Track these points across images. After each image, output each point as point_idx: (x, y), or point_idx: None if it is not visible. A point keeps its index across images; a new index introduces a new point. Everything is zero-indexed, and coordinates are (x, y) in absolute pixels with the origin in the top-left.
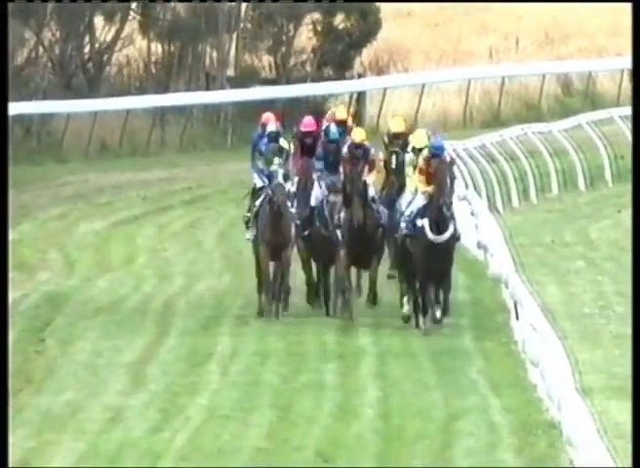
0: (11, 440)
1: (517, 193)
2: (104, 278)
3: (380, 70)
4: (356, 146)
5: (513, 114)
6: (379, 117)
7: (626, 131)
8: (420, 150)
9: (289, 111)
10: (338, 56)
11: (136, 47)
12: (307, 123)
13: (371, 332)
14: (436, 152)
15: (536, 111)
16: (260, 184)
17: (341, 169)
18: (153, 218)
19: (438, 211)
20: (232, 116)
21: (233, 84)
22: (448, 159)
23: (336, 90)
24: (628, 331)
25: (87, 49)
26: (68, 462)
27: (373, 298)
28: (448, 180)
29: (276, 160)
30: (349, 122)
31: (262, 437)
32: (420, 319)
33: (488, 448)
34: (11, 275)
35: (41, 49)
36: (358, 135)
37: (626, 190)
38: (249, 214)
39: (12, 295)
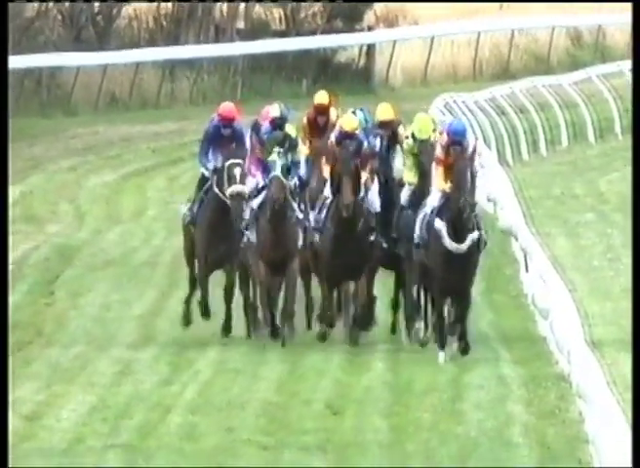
0: (20, 392)
1: (527, 146)
2: (115, 230)
3: (389, 23)
4: (346, 136)
5: (523, 67)
6: (388, 70)
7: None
8: (423, 141)
9: (299, 64)
10: (348, 8)
11: None
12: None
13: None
14: (457, 138)
15: (545, 64)
16: (207, 172)
17: (324, 159)
18: (163, 171)
19: (458, 212)
20: (242, 69)
21: (243, 36)
22: (470, 146)
23: (345, 42)
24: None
25: (96, 2)
26: (78, 415)
27: (365, 321)
28: (469, 174)
29: (276, 149)
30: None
31: (272, 390)
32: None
33: (498, 400)
34: (21, 227)
35: (51, 2)
36: (349, 122)
37: None
38: (190, 211)
39: (22, 248)
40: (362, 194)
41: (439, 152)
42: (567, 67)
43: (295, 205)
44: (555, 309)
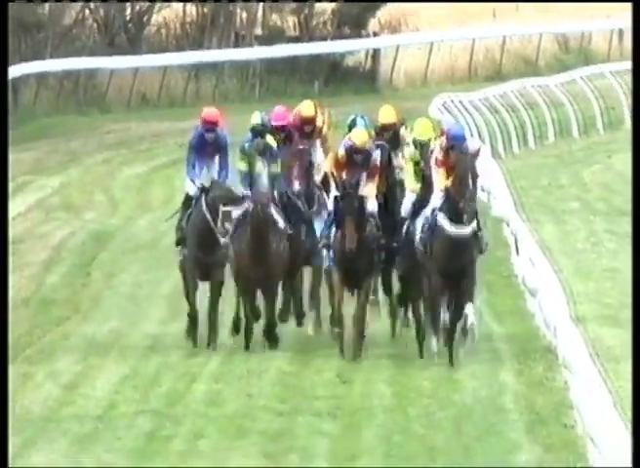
0: (59, 364)
1: (517, 140)
2: (145, 217)
3: (393, 29)
4: (356, 151)
5: (514, 70)
6: (392, 72)
7: (616, 84)
8: (424, 144)
9: (311, 67)
10: (355, 16)
11: (172, 9)
12: (278, 115)
13: None
14: (457, 143)
15: (534, 67)
16: (192, 192)
17: (330, 175)
18: None
19: (457, 205)
20: (260, 71)
21: (261, 42)
22: (471, 149)
23: (353, 47)
24: (618, 265)
25: (128, 11)
26: (111, 384)
27: (360, 332)
28: (470, 176)
29: (260, 161)
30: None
31: (287, 360)
32: (433, 341)
33: (491, 370)
34: (60, 215)
35: (87, 11)
36: (360, 137)
37: (616, 138)
38: (180, 231)
39: (61, 233)
40: (370, 211)
41: (439, 154)
42: (554, 70)
43: (279, 218)
44: (543, 288)
